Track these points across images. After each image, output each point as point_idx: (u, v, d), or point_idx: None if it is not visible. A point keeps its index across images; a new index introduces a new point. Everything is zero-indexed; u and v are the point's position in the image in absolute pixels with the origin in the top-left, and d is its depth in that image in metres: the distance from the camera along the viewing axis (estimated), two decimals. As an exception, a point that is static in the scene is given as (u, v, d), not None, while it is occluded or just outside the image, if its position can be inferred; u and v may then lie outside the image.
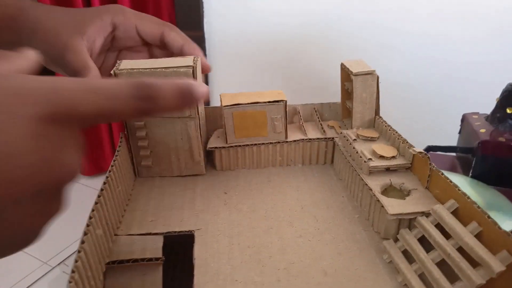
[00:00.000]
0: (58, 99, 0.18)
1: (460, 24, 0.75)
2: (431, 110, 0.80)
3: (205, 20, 0.96)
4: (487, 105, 0.57)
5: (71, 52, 0.30)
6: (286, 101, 0.33)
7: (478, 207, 0.23)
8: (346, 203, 0.31)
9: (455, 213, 0.24)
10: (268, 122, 0.33)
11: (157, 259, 0.26)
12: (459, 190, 0.24)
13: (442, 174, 0.26)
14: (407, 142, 0.30)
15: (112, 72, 0.30)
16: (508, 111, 0.50)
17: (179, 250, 0.28)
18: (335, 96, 0.38)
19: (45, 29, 0.32)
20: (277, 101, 0.33)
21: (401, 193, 0.28)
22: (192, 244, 0.27)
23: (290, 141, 0.35)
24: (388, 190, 0.29)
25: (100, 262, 0.24)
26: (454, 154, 0.59)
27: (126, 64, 0.31)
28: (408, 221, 0.26)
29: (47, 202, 0.20)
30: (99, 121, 0.21)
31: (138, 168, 0.34)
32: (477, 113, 0.57)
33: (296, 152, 0.35)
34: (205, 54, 1.00)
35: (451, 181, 0.25)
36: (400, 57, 0.80)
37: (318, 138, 0.35)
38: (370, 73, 0.32)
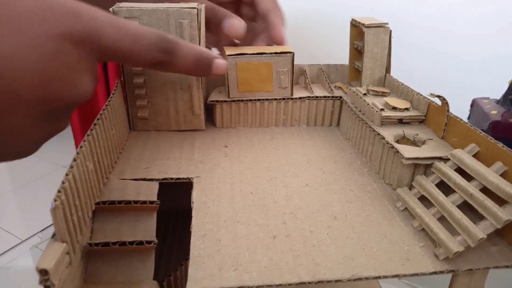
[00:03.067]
0: (83, 24, 0.19)
1: (471, 13, 0.74)
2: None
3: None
4: (497, 91, 0.56)
5: None
6: (293, 53, 0.31)
7: (503, 145, 0.21)
8: (354, 159, 0.29)
9: (476, 156, 0.22)
10: (274, 76, 0.31)
11: (151, 202, 0.24)
12: (480, 132, 0.22)
13: (461, 120, 0.24)
14: (420, 94, 0.28)
15: (110, 9, 0.28)
16: (520, 92, 0.48)
17: (176, 197, 0.26)
18: (341, 59, 0.36)
19: None
20: (284, 53, 0.31)
21: (415, 145, 0.26)
22: (190, 190, 0.25)
23: (296, 98, 0.33)
24: (400, 142, 0.27)
25: (90, 198, 0.22)
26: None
27: (125, 3, 0.29)
28: (424, 169, 0.24)
29: (55, 120, 0.20)
30: (116, 59, 0.22)
31: (134, 120, 0.32)
32: (487, 98, 0.56)
33: (301, 111, 0.33)
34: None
35: (471, 125, 0.23)
36: (410, 43, 0.78)
37: (325, 96, 0.33)
38: (383, 26, 0.31)
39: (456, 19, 0.74)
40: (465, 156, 0.22)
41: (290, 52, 0.31)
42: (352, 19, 0.33)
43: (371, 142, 0.28)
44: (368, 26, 0.31)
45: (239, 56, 0.30)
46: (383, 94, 0.30)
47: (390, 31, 0.31)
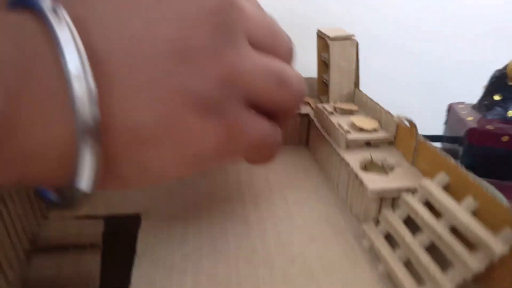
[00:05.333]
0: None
1: (449, 18, 0.73)
2: (415, 100, 0.77)
3: None
4: (473, 96, 0.54)
5: None
6: None
7: (475, 178, 0.19)
8: (321, 185, 0.27)
9: (446, 188, 0.20)
10: None
11: (93, 245, 0.22)
12: (450, 160, 0.20)
13: (431, 144, 0.22)
14: (389, 113, 0.26)
15: None
16: (495, 98, 0.47)
17: (122, 235, 0.24)
18: (312, 72, 0.34)
19: None
20: None
21: (383, 170, 0.24)
22: (137, 228, 0.22)
23: (259, 117, 0.30)
24: (368, 167, 0.25)
25: (19, 246, 0.19)
26: (439, 144, 0.56)
27: None
28: (391, 201, 0.22)
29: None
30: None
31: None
32: (463, 103, 0.54)
33: (266, 130, 0.31)
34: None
35: (440, 151, 0.21)
36: (385, 44, 0.77)
37: (290, 114, 0.31)
38: (349, 38, 0.28)
39: (436, 19, 0.73)
40: (434, 189, 0.20)
41: None
42: (318, 30, 0.31)
43: (337, 167, 0.26)
44: (333, 39, 0.28)
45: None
46: (351, 112, 0.28)
47: (357, 43, 0.29)
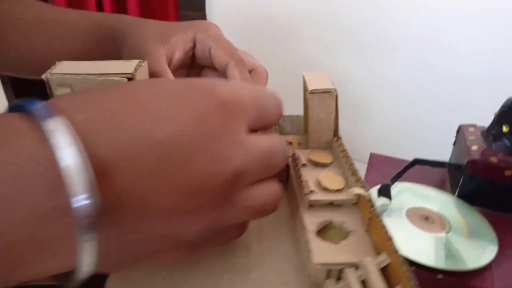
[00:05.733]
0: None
1: (469, 30, 0.69)
2: (429, 115, 0.75)
3: (207, 0, 0.92)
4: (490, 117, 0.53)
5: (151, 56, 0.32)
6: None
7: (407, 270, 0.20)
8: (287, 235, 0.28)
9: (385, 269, 0.21)
10: None
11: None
12: (392, 244, 0.21)
13: (381, 221, 0.23)
14: (356, 174, 0.27)
15: (43, 76, 0.27)
16: (504, 129, 0.46)
17: None
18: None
19: (134, 36, 0.34)
20: None
21: (341, 233, 0.25)
22: None
23: (240, 157, 0.32)
24: (329, 228, 0.26)
25: None
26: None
27: (62, 67, 0.28)
28: (339, 270, 0.23)
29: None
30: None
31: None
32: (474, 125, 0.53)
33: (247, 169, 0.33)
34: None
35: (387, 231, 0.22)
36: (400, 56, 0.74)
37: (270, 156, 0.32)
38: (328, 92, 0.29)
39: (461, 33, 0.69)
40: (371, 270, 0.21)
41: None
42: (303, 75, 0.31)
43: (300, 222, 0.27)
44: (312, 92, 0.29)
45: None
46: (324, 166, 0.29)
47: (336, 95, 0.29)
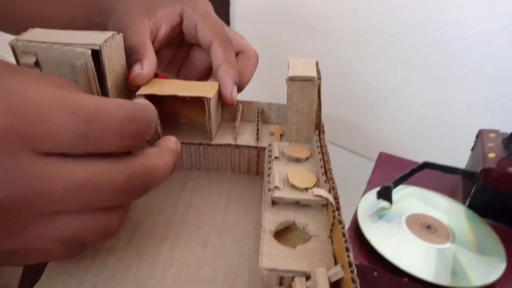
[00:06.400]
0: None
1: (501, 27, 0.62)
2: (449, 117, 0.69)
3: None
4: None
5: (132, 29, 0.30)
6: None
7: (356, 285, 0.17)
8: (250, 232, 0.26)
9: (340, 282, 0.19)
10: None
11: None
12: (348, 256, 0.18)
13: (343, 227, 0.20)
14: (328, 174, 0.24)
15: (9, 42, 0.26)
16: (526, 138, 0.41)
17: None
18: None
19: (121, 7, 0.32)
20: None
21: (303, 237, 0.23)
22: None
23: (215, 145, 0.30)
24: (292, 229, 0.23)
25: None
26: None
27: (31, 34, 0.27)
28: (291, 277, 0.21)
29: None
30: (78, 150, 0.17)
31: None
32: (496, 131, 0.48)
33: (223, 157, 0.30)
34: (227, 20, 0.94)
35: (346, 241, 0.19)
36: (419, 51, 0.69)
37: (247, 146, 0.30)
38: (310, 80, 0.26)
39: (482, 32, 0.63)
40: (322, 283, 0.19)
41: None
42: (289, 59, 0.29)
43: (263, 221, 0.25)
44: (291, 79, 0.26)
45: (148, 97, 0.28)
46: (298, 160, 0.26)
47: (319, 84, 0.26)
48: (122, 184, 0.18)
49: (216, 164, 0.31)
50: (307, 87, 0.26)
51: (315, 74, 0.26)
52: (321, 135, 0.28)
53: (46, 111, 0.15)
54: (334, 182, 0.23)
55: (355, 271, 0.18)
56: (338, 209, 0.21)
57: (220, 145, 0.30)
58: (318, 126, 0.28)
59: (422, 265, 0.36)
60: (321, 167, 0.25)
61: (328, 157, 0.25)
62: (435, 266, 0.37)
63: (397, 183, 0.43)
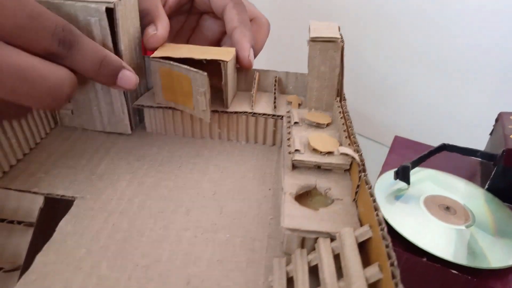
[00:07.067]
0: None
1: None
2: (466, 102, 0.67)
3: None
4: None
5: None
6: (205, 75, 0.25)
7: (388, 245, 0.16)
8: (268, 199, 0.25)
9: (366, 243, 0.18)
10: (194, 94, 0.27)
11: (19, 222, 0.23)
12: (377, 215, 0.17)
13: (370, 188, 0.19)
14: (352, 137, 0.23)
15: None
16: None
17: (54, 216, 0.25)
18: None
19: None
20: (201, 70, 0.25)
21: (325, 201, 0.22)
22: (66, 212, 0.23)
23: (231, 112, 0.29)
24: (313, 194, 0.22)
25: None
26: (477, 158, 0.49)
27: None
28: (314, 240, 0.20)
29: None
30: (14, 40, 0.19)
31: (60, 114, 0.30)
32: (517, 114, 0.46)
33: (239, 126, 0.29)
34: None
35: (374, 200, 0.18)
36: (437, 33, 0.67)
37: (265, 114, 0.28)
38: (333, 41, 0.25)
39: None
40: (348, 243, 0.17)
41: (205, 72, 0.25)
42: (310, 23, 0.27)
43: (281, 186, 0.24)
44: (314, 40, 0.25)
45: (162, 61, 0.27)
46: (319, 126, 0.25)
47: (342, 46, 0.25)
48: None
49: (231, 134, 0.30)
50: (330, 49, 0.25)
51: (338, 36, 0.25)
52: (342, 102, 0.27)
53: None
54: (358, 146, 0.22)
55: (385, 229, 0.16)
56: (364, 170, 0.20)
57: (236, 112, 0.29)
58: (340, 93, 0.27)
59: (441, 245, 0.35)
60: (344, 131, 0.23)
61: (351, 122, 0.24)
62: (454, 246, 0.35)
63: (415, 163, 0.42)
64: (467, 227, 0.37)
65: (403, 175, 0.40)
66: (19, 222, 0.23)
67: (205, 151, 0.29)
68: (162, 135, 0.30)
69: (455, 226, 0.37)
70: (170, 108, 0.29)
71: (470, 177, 0.46)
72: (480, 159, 0.48)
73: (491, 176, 0.42)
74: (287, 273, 0.19)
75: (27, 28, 0.19)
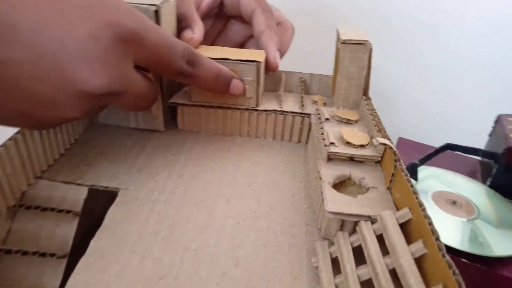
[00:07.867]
0: (134, 21, 0.20)
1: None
2: (465, 104, 0.70)
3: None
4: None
5: None
6: (260, 63, 0.28)
7: (430, 223, 0.18)
8: (300, 190, 0.27)
9: (405, 225, 0.20)
10: None
11: (68, 212, 0.24)
12: (417, 198, 0.19)
13: (406, 175, 0.21)
14: (383, 132, 0.25)
15: None
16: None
17: (99, 206, 0.26)
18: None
19: None
20: (250, 61, 0.28)
21: (359, 190, 0.24)
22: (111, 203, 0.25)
23: (261, 110, 0.30)
24: (347, 184, 0.24)
25: (2, 202, 0.22)
26: (477, 157, 0.52)
27: None
28: (353, 224, 0.21)
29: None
30: (150, 64, 0.23)
31: (94, 112, 0.31)
32: (515, 116, 0.49)
33: (267, 124, 0.31)
34: None
35: (412, 185, 0.20)
36: (436, 38, 0.70)
37: (293, 112, 0.30)
38: (362, 43, 0.27)
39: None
40: (391, 223, 0.19)
41: (255, 61, 0.28)
42: (337, 28, 0.29)
43: (316, 177, 0.25)
44: (344, 42, 0.27)
45: (201, 60, 0.28)
46: (349, 122, 0.27)
47: (371, 49, 0.27)
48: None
49: (259, 131, 0.31)
50: (359, 51, 0.27)
51: (367, 38, 0.27)
52: (368, 100, 0.29)
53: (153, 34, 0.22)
54: (389, 139, 0.24)
55: (426, 209, 0.18)
56: (399, 159, 0.22)
57: (266, 110, 0.30)
58: (366, 92, 0.29)
59: (448, 235, 0.37)
60: (375, 126, 0.25)
61: (379, 119, 0.26)
62: (461, 236, 0.38)
63: (422, 161, 0.44)
64: (473, 219, 0.39)
65: (411, 172, 0.43)
66: (68, 212, 0.24)
67: (236, 147, 0.30)
68: (193, 132, 0.32)
69: (462, 218, 0.39)
70: (203, 106, 0.30)
71: (470, 175, 0.49)
72: (480, 158, 0.51)
73: (493, 174, 0.44)
74: (330, 254, 0.21)
75: (167, 57, 0.22)
